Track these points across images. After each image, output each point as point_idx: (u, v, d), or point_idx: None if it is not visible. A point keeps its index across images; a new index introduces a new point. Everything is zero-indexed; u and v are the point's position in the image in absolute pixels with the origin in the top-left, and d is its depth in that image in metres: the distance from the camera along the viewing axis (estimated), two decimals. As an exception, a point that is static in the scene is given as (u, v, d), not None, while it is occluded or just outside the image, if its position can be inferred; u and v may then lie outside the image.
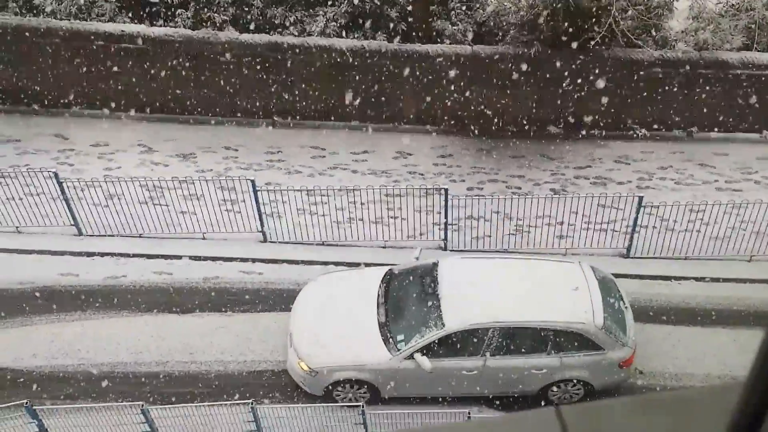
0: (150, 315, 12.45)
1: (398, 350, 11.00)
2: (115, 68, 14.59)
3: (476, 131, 15.04)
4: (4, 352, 11.90)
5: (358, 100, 14.89)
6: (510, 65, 14.37)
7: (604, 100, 14.70)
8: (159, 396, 11.53)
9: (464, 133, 15.10)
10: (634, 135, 15.18)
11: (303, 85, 14.77)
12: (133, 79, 14.75)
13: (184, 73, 14.64)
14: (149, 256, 13.25)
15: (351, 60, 14.43)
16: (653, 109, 14.96)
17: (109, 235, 13.40)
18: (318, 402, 11.32)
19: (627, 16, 14.00)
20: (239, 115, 15.13)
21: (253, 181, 12.79)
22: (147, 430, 10.71)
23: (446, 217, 13.04)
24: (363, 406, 10.80)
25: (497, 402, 11.60)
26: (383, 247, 13.29)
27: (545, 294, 11.18)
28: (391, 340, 11.12)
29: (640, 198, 12.84)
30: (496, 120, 15.02)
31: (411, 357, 10.93)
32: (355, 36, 15.02)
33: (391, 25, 14.99)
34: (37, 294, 12.65)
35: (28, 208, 13.21)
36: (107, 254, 13.26)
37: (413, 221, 13.34)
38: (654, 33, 14.61)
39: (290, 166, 14.58)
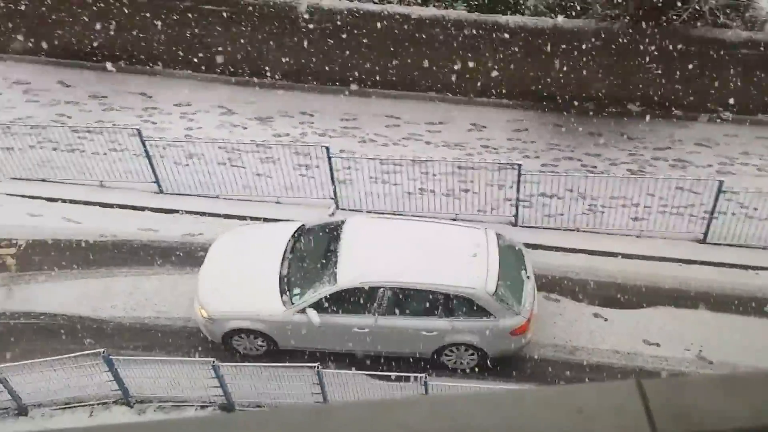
0: (223, 274, 12.80)
1: (292, 303, 11.25)
2: (201, 30, 14.86)
3: (554, 106, 14.82)
4: (84, 302, 12.45)
5: (435, 70, 14.82)
6: (592, 40, 14.07)
7: (688, 79, 14.27)
8: (229, 353, 11.91)
9: (541, 107, 14.90)
10: (718, 117, 14.73)
11: (381, 53, 14.77)
12: (217, 42, 15.01)
13: (265, 37, 14.81)
14: (225, 216, 13.59)
15: (430, 29, 14.35)
16: (739, 91, 14.44)
17: (187, 194, 13.78)
18: (378, 371, 11.54)
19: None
20: (317, 80, 15.25)
21: (327, 148, 12.95)
22: (217, 385, 11.10)
23: (518, 193, 12.97)
24: (425, 377, 10.98)
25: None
26: (453, 220, 13.32)
27: (442, 258, 11.24)
28: (287, 293, 11.36)
29: (721, 183, 12.51)
30: (575, 96, 14.76)
31: (303, 311, 11.15)
32: (436, 4, 14.92)
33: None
34: (118, 247, 13.15)
35: (112, 163, 13.67)
36: (185, 212, 13.66)
37: (484, 196, 13.31)
38: (743, 12, 14.06)
39: (365, 135, 14.67)
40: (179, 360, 11.39)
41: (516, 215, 13.34)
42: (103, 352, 10.84)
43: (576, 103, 14.80)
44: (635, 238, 13.28)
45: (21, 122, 13.75)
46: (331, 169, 13.11)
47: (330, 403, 10.32)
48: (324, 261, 11.47)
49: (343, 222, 11.94)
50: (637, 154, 14.37)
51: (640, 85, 14.56)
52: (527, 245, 13.16)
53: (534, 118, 14.87)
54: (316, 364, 10.91)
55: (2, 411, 11.52)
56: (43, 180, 13.84)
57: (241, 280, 11.52)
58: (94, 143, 13.74)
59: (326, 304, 11.14)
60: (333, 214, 12.53)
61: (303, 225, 12.28)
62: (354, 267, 11.18)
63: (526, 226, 13.38)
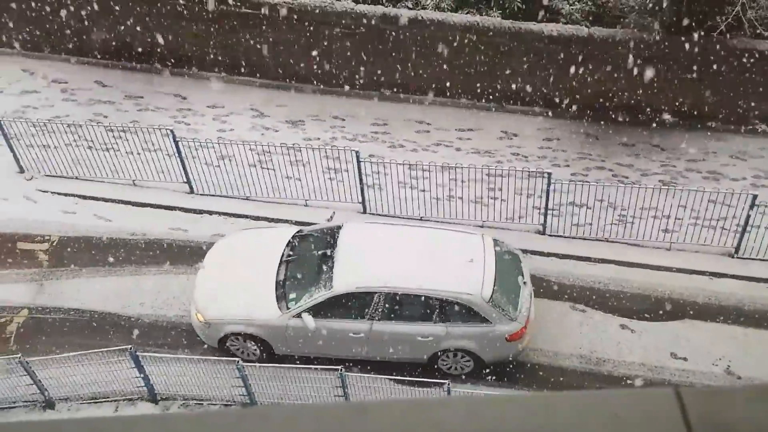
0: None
1: (288, 308, 11.25)
2: (235, 33, 15.02)
3: (586, 115, 14.71)
4: (114, 299, 12.63)
5: (467, 77, 14.80)
6: (627, 49, 13.94)
7: (724, 91, 14.07)
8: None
9: (573, 116, 14.80)
10: (754, 130, 14.49)
11: (413, 59, 14.79)
12: (251, 45, 15.15)
13: (297, 40, 14.92)
14: (254, 218, 13.70)
15: (463, 35, 14.34)
16: (778, 103, 14.21)
17: (218, 195, 13.92)
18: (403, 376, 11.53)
19: (757, 5, 13.30)
20: (349, 85, 15.32)
21: (357, 152, 13.00)
22: (241, 385, 11.18)
23: (547, 201, 12.89)
24: (449, 383, 10.96)
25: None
26: (480, 226, 13.28)
27: (439, 263, 11.22)
28: (284, 298, 11.38)
29: (754, 196, 12.31)
30: (607, 105, 14.64)
31: (299, 316, 11.16)
32: (469, 11, 14.90)
33: (507, 2, 14.78)
34: (148, 245, 13.32)
35: (145, 163, 13.85)
36: (215, 213, 13.79)
37: (513, 203, 13.24)
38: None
39: (394, 140, 14.70)
40: (204, 359, 11.49)
41: (544, 224, 13.25)
42: (130, 348, 10.98)
43: (609, 112, 14.68)
44: (665, 250, 13.13)
45: (58, 120, 14.00)
46: (360, 173, 13.15)
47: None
48: (320, 266, 11.53)
49: (340, 227, 12.00)
50: (669, 165, 14.20)
51: (675, 96, 14.40)
52: (556, 255, 13.11)
53: (565, 126, 14.78)
54: (340, 367, 10.94)
55: (30, 404, 11.72)
56: (77, 178, 14.09)
57: (238, 285, 11.60)
58: (128, 143, 13.94)
59: (322, 309, 11.19)
60: (331, 218, 12.63)
61: (300, 230, 12.36)
62: (350, 272, 11.23)
63: (555, 235, 13.29)
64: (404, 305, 11.19)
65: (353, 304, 11.19)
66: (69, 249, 13.23)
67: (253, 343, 11.61)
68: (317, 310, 11.20)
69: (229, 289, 11.56)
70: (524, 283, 11.54)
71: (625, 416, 1.56)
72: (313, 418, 1.64)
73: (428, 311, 11.16)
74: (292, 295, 11.42)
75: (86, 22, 15.44)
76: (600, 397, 1.65)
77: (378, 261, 11.37)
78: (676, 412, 1.56)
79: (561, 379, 11.74)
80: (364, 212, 13.65)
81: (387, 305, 11.15)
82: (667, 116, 14.66)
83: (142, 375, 11.25)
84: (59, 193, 13.95)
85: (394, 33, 14.52)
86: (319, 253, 11.72)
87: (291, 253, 11.89)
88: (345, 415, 1.63)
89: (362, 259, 11.39)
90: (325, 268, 11.44)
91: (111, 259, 13.08)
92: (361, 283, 11.15)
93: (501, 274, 11.32)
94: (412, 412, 1.62)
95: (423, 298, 11.11)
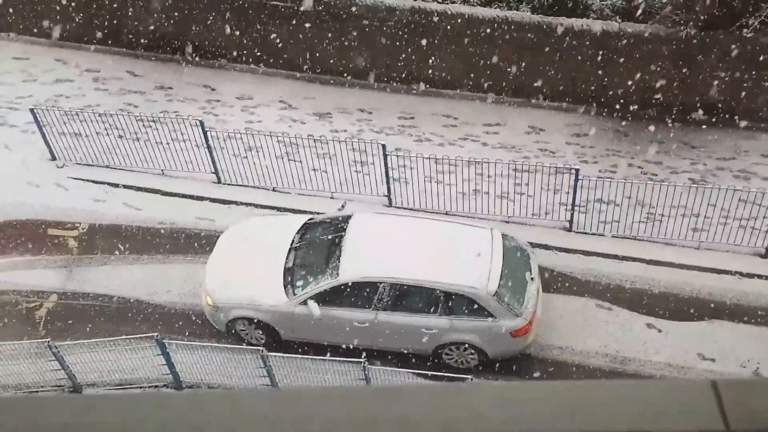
0: (276, 266, 12.96)
1: (294, 295, 11.32)
2: (265, 25, 15.08)
3: (615, 112, 14.58)
4: (141, 286, 12.78)
5: (495, 71, 14.73)
6: (658, 45, 13.79)
7: (756, 89, 13.87)
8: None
9: (602, 112, 14.68)
10: (788, 129, 14.28)
11: (442, 53, 14.76)
12: (280, 37, 15.21)
13: (326, 33, 14.94)
14: (280, 209, 13.78)
15: (492, 30, 14.27)
16: (812, 102, 13.98)
17: (245, 186, 14.01)
18: (427, 370, 11.54)
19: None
20: (376, 78, 15.32)
21: (384, 146, 13.01)
22: (264, 375, 11.26)
23: (574, 198, 12.81)
24: (472, 377, 10.96)
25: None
26: (506, 222, 13.23)
27: (445, 256, 11.21)
28: (291, 284, 11.46)
29: (786, 196, 12.15)
30: (637, 101, 14.50)
31: (305, 303, 11.22)
32: (499, 5, 14.83)
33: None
34: (175, 234, 13.45)
35: (174, 153, 13.97)
36: (242, 203, 13.88)
37: (539, 199, 13.17)
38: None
39: (421, 134, 14.68)
40: (229, 347, 11.59)
41: (571, 220, 13.17)
42: (157, 335, 11.09)
43: (638, 109, 14.54)
44: (694, 249, 12.98)
45: (90, 109, 14.17)
46: (386, 166, 13.16)
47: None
48: (328, 254, 11.62)
49: (349, 217, 12.08)
50: (699, 163, 14.04)
51: (706, 93, 14.21)
52: (582, 252, 13.02)
53: (594, 122, 14.66)
54: (363, 360, 10.96)
55: (58, 388, 11.89)
56: (108, 166, 14.25)
57: (247, 270, 11.72)
58: (157, 133, 14.06)
59: (327, 297, 11.28)
60: (342, 208, 12.71)
61: (311, 218, 12.45)
62: (357, 261, 11.30)
63: (581, 232, 13.20)
64: (409, 296, 11.24)
65: (359, 293, 11.26)
66: (98, 236, 13.41)
67: (258, 329, 11.72)
68: (323, 298, 11.30)
69: (238, 274, 11.70)
70: (532, 278, 11.50)
71: (660, 406, 1.55)
72: (341, 400, 1.65)
73: (433, 304, 11.19)
74: (299, 282, 11.55)
75: (119, 13, 15.59)
76: (635, 387, 1.64)
77: (385, 252, 11.43)
78: (713, 403, 1.55)
79: (585, 377, 11.66)
80: (390, 205, 13.66)
81: (392, 296, 11.21)
82: (697, 113, 14.48)
83: (167, 362, 11.36)
84: (90, 181, 14.13)
85: (422, 26, 14.49)
86: (328, 241, 11.82)
87: (300, 240, 12.00)
88: (373, 398, 1.64)
89: (369, 249, 11.47)
90: (332, 256, 11.54)
91: (139, 247, 13.23)
92: (367, 272, 11.21)
93: (508, 268, 11.31)
94: (441, 396, 1.62)
95: (428, 290, 11.14)
